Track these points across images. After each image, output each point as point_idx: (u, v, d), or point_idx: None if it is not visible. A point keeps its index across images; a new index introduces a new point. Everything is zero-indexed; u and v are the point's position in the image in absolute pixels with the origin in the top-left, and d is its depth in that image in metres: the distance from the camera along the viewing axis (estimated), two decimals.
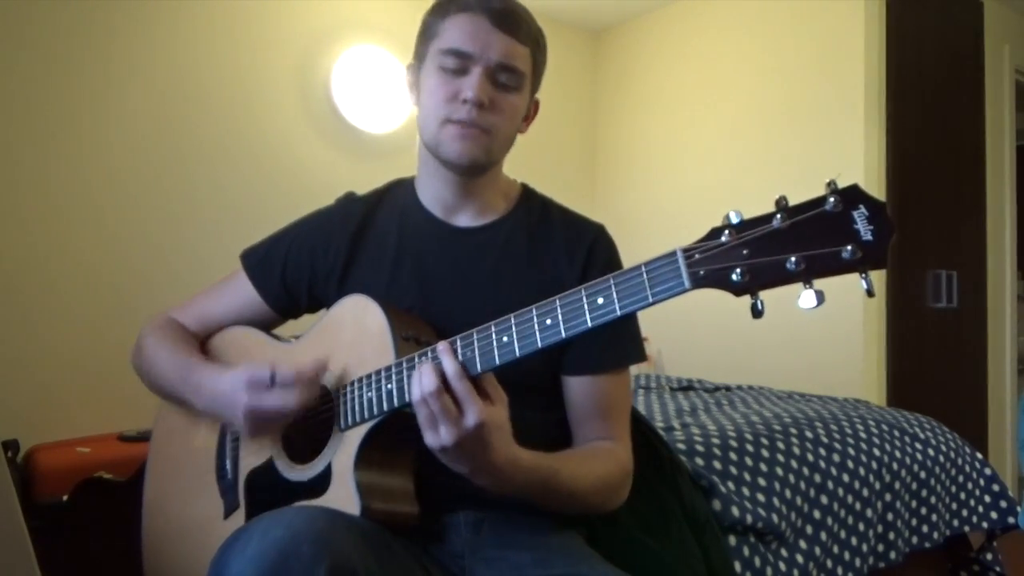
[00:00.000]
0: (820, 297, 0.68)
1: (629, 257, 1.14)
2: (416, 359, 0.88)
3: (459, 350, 0.84)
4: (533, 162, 1.22)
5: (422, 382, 0.81)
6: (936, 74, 3.02)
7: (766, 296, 0.72)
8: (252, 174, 2.70)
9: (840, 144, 2.79)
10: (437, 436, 0.82)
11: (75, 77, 2.35)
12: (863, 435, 1.82)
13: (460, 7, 1.01)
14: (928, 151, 2.96)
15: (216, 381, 0.99)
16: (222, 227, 2.57)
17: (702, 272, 0.71)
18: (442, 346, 0.84)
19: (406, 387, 0.88)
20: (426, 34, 1.05)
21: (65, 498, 1.53)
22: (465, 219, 1.10)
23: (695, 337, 3.11)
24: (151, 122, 2.49)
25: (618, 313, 0.75)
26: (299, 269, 1.12)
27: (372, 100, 2.95)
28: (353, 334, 0.98)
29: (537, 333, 0.80)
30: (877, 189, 2.75)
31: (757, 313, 0.71)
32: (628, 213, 3.58)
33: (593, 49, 3.81)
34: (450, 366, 0.82)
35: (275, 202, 2.68)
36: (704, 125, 3.30)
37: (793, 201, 0.70)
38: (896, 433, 1.88)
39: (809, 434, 1.74)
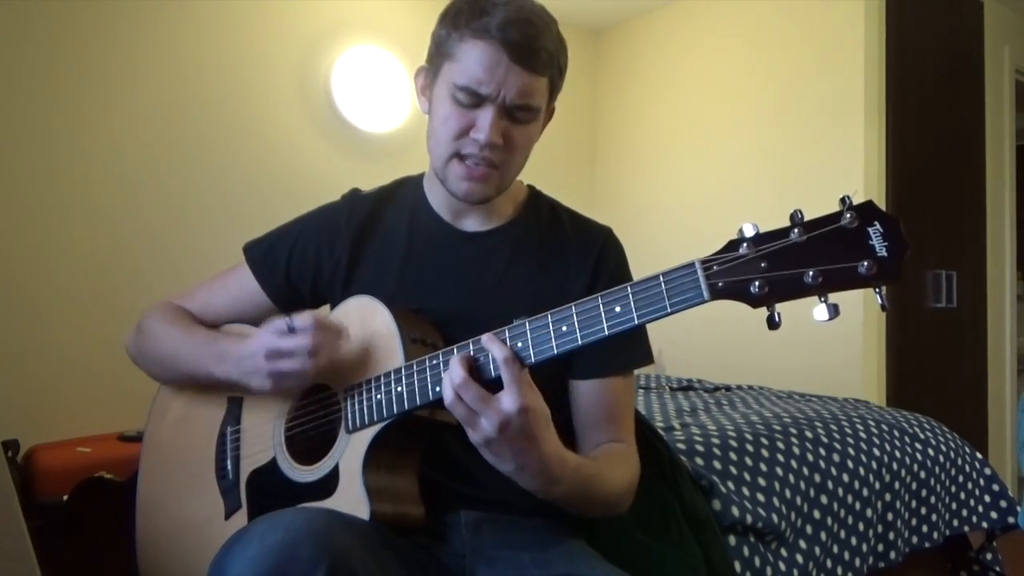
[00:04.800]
0: (834, 311, 0.70)
1: (628, 256, 1.15)
2: (440, 356, 0.87)
3: (507, 340, 0.83)
4: (533, 162, 1.22)
5: (451, 375, 0.80)
6: (936, 74, 3.02)
7: None
8: (254, 174, 2.70)
9: (840, 144, 2.79)
10: (480, 430, 0.80)
11: (77, 80, 2.34)
12: (863, 435, 1.82)
13: (477, 31, 0.94)
14: (928, 151, 2.96)
15: (240, 345, 1.00)
16: (224, 227, 2.56)
17: (720, 284, 0.72)
18: (487, 337, 0.83)
19: (417, 390, 0.88)
20: (440, 48, 0.99)
21: (65, 498, 1.53)
22: (473, 223, 1.09)
23: (695, 337, 3.11)
24: (152, 122, 2.49)
25: (636, 322, 0.76)
26: (304, 265, 1.12)
27: (372, 100, 2.95)
28: (360, 335, 0.98)
29: (553, 339, 0.81)
30: (877, 189, 2.75)
31: (774, 325, 0.72)
32: (627, 213, 3.58)
33: (593, 49, 3.81)
34: (501, 351, 0.81)
35: (277, 202, 2.67)
36: (704, 125, 3.30)
37: (801, 206, 0.70)
38: (896, 433, 1.88)
39: (809, 434, 1.74)
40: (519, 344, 0.82)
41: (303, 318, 0.93)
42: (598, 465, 0.94)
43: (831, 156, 2.81)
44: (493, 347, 0.82)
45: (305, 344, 0.92)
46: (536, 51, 0.95)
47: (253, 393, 1.00)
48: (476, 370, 0.83)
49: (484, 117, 0.95)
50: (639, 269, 1.13)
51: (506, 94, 0.95)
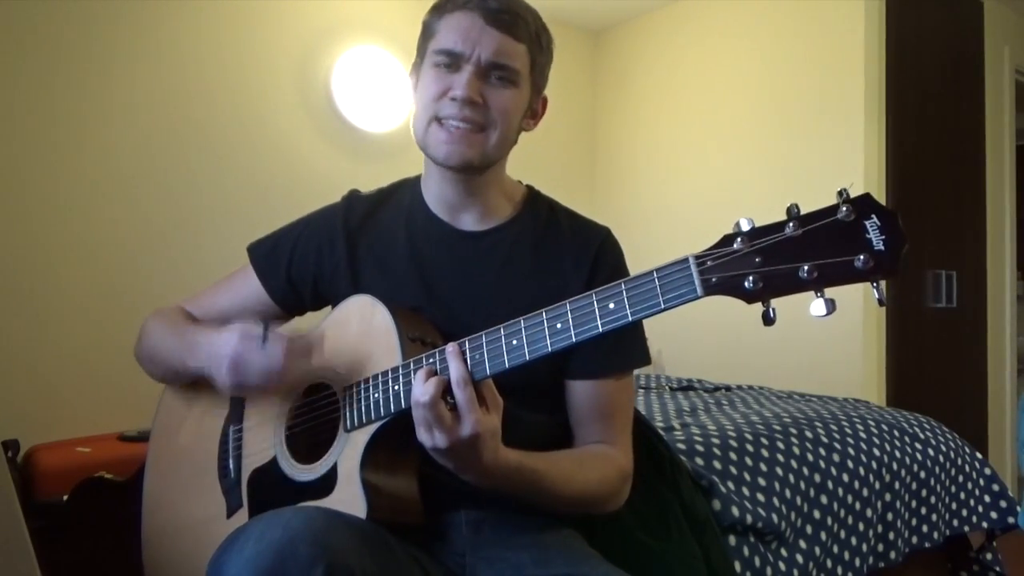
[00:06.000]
0: (831, 306, 0.69)
1: (628, 257, 1.15)
2: (423, 361, 0.88)
3: (467, 352, 0.84)
4: (532, 162, 1.22)
5: (421, 391, 0.82)
6: (936, 74, 3.01)
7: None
8: (254, 174, 2.69)
9: (840, 144, 2.79)
10: (431, 438, 0.83)
11: (77, 81, 2.34)
12: (863, 435, 1.82)
13: (456, 5, 1.00)
14: (928, 151, 2.96)
15: (212, 336, 1.00)
16: (224, 226, 2.57)
17: (714, 279, 0.71)
18: (451, 348, 0.84)
19: None
20: (425, 34, 1.05)
21: (65, 498, 1.53)
22: (470, 221, 1.09)
23: (695, 337, 3.11)
24: (153, 121, 2.48)
25: (630, 319, 0.76)
26: (304, 266, 1.13)
27: (372, 100, 2.95)
28: (359, 334, 0.98)
29: (547, 337, 0.80)
30: (877, 189, 2.74)
31: (769, 321, 0.71)
32: (626, 213, 3.58)
33: (593, 49, 3.81)
34: (457, 371, 0.83)
35: (277, 202, 2.67)
36: (704, 125, 3.30)
37: (801, 206, 0.70)
38: (896, 433, 1.88)
39: (809, 434, 1.74)
40: (514, 342, 0.82)
41: (277, 332, 0.93)
42: (549, 464, 0.94)
43: (831, 156, 2.81)
44: (453, 363, 0.83)
45: (273, 362, 0.92)
46: (512, 15, 0.99)
47: (217, 387, 0.99)
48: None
49: (461, 77, 0.99)
50: (639, 269, 1.13)
51: (481, 53, 0.98)
